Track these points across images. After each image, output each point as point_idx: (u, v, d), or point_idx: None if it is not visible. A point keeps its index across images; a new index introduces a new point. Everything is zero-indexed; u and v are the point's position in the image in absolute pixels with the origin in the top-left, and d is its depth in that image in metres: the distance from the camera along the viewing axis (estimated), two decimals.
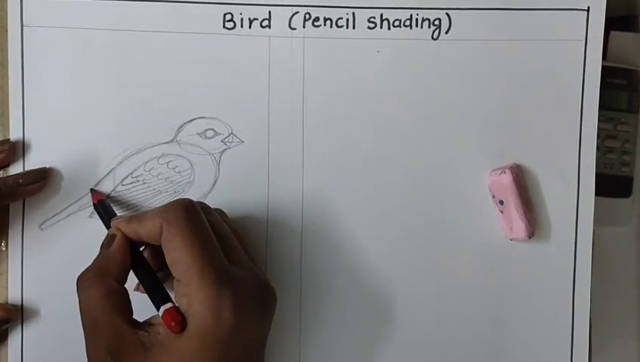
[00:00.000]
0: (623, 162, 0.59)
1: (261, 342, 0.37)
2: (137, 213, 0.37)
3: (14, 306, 0.42)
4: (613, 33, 0.57)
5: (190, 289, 0.33)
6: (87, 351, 0.35)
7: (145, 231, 0.35)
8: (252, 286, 0.36)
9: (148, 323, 0.35)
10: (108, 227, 0.39)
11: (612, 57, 0.58)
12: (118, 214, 0.41)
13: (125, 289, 0.36)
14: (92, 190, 0.42)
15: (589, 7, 0.44)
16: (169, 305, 0.34)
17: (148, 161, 0.43)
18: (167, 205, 0.36)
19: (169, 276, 0.36)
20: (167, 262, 0.35)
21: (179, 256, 0.34)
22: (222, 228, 0.38)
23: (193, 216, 0.35)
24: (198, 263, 0.34)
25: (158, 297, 0.35)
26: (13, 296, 0.42)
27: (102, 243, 0.37)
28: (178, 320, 0.33)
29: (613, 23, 0.57)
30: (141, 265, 0.37)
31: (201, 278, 0.33)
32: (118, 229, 0.37)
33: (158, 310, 0.34)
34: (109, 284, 0.35)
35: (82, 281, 0.35)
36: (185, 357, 0.33)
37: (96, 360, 0.34)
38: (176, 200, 0.36)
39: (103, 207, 0.41)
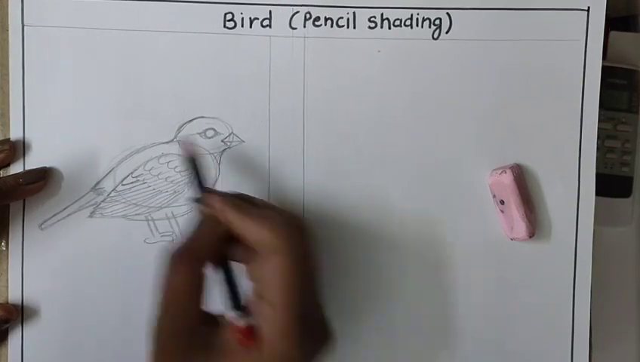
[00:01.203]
0: (623, 162, 0.59)
1: None
2: (246, 208, 0.35)
3: (14, 306, 0.42)
4: (613, 33, 0.57)
5: (271, 314, 0.33)
6: (155, 324, 0.34)
7: (250, 235, 0.34)
8: (319, 331, 0.36)
9: (215, 321, 0.35)
10: (199, 186, 0.37)
11: (612, 57, 0.58)
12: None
13: (204, 276, 0.34)
14: (181, 142, 0.40)
15: (589, 7, 0.44)
16: (243, 322, 0.33)
17: (148, 161, 0.43)
18: (284, 220, 0.34)
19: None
20: (252, 278, 0.34)
21: (274, 291, 0.33)
22: (314, 262, 0.36)
23: (305, 248, 0.34)
24: (289, 314, 0.33)
25: (236, 303, 0.34)
26: (13, 295, 0.42)
27: (194, 224, 0.36)
28: (250, 340, 0.33)
29: (613, 23, 0.57)
30: (226, 260, 0.36)
31: (284, 333, 0.32)
32: (219, 211, 0.35)
33: (231, 312, 0.34)
34: (198, 270, 0.34)
35: (176, 260, 0.34)
36: None
37: (162, 336, 0.34)
38: (295, 218, 0.35)
39: (194, 164, 0.38)
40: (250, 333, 0.33)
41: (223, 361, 0.33)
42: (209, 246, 0.35)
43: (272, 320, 0.33)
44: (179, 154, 0.42)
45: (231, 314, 0.34)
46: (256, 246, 0.34)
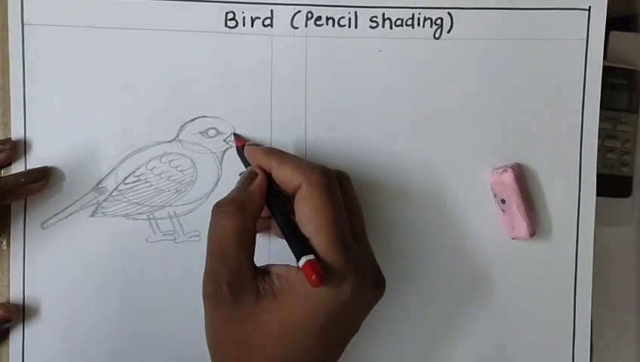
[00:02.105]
0: (622, 162, 0.60)
1: (356, 328, 0.37)
2: (281, 157, 0.37)
3: (16, 305, 0.42)
4: (613, 33, 0.57)
5: (314, 248, 0.34)
6: (206, 276, 0.35)
7: (284, 178, 0.36)
8: (370, 270, 0.37)
9: (265, 271, 0.36)
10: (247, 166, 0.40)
11: (612, 57, 0.58)
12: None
13: (255, 229, 0.36)
14: (235, 134, 0.43)
15: (590, 7, 0.44)
16: (311, 256, 0.34)
17: (150, 160, 0.43)
18: (309, 166, 0.36)
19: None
20: (297, 218, 0.35)
21: (312, 216, 0.35)
22: (354, 203, 0.39)
23: (333, 185, 0.36)
24: (329, 229, 0.34)
25: (299, 246, 0.35)
26: (14, 294, 0.42)
27: (241, 178, 0.38)
28: (320, 273, 0.33)
29: (614, 23, 0.57)
30: (281, 211, 0.37)
31: (330, 243, 0.34)
32: (261, 170, 0.38)
33: (297, 259, 0.34)
34: (246, 221, 0.35)
35: (220, 211, 0.36)
36: (292, 315, 0.34)
37: (212, 288, 0.34)
38: (318, 165, 0.37)
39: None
40: (319, 268, 0.33)
41: (270, 304, 0.34)
42: (254, 198, 0.37)
43: (317, 256, 0.34)
44: (181, 154, 0.42)
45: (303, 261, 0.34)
46: (287, 188, 0.37)
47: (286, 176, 0.36)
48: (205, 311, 0.35)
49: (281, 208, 0.37)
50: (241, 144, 0.41)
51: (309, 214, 0.35)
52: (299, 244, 0.35)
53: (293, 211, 0.36)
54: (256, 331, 0.34)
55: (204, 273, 0.35)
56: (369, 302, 0.37)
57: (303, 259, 0.33)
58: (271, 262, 0.37)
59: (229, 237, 0.35)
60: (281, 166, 0.37)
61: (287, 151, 0.39)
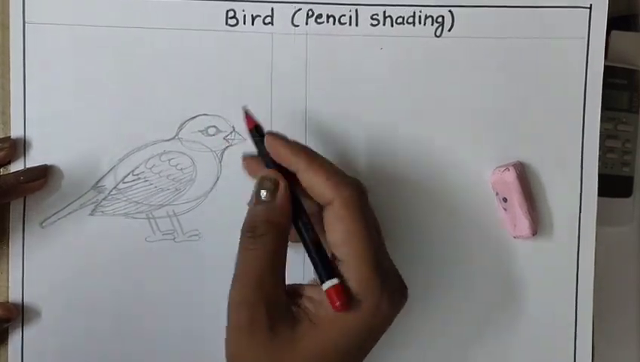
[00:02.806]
0: (623, 162, 0.59)
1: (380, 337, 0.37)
2: (311, 160, 0.35)
3: (15, 305, 0.42)
4: (613, 32, 0.57)
5: (351, 272, 0.33)
6: (237, 305, 0.33)
7: (314, 187, 0.34)
8: (397, 284, 0.36)
9: (296, 293, 0.35)
10: (262, 154, 0.37)
11: (613, 57, 0.58)
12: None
13: (287, 244, 0.35)
14: (246, 111, 0.38)
15: (591, 5, 0.44)
16: (336, 281, 0.33)
17: (149, 159, 0.43)
18: (342, 179, 0.35)
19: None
20: (329, 236, 0.34)
21: (349, 239, 0.33)
22: (374, 215, 0.37)
23: (367, 202, 0.35)
24: (368, 255, 0.33)
25: (326, 269, 0.33)
26: (14, 294, 0.42)
27: (260, 185, 0.35)
28: (345, 300, 0.32)
29: (614, 22, 0.57)
30: (304, 225, 0.35)
31: (369, 269, 0.33)
32: (279, 173, 0.35)
33: (321, 282, 0.33)
34: (281, 242, 0.34)
35: (255, 234, 0.34)
36: (330, 339, 0.33)
37: (247, 316, 0.33)
38: (352, 179, 0.35)
39: (260, 132, 0.37)
40: (345, 294, 0.33)
41: (309, 330, 0.33)
42: (284, 212, 0.35)
43: (353, 277, 0.33)
44: (181, 152, 0.42)
45: (327, 285, 0.33)
46: (317, 200, 0.35)
47: (317, 187, 0.34)
48: (232, 338, 0.34)
49: (305, 221, 0.35)
50: (253, 125, 0.38)
51: (344, 237, 0.33)
52: (325, 267, 0.34)
53: (316, 223, 0.35)
54: (294, 358, 0.33)
55: (233, 300, 0.33)
56: (396, 314, 0.36)
57: (328, 283, 0.33)
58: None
59: (266, 263, 0.33)
60: (311, 172, 0.34)
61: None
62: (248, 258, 0.34)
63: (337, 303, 0.32)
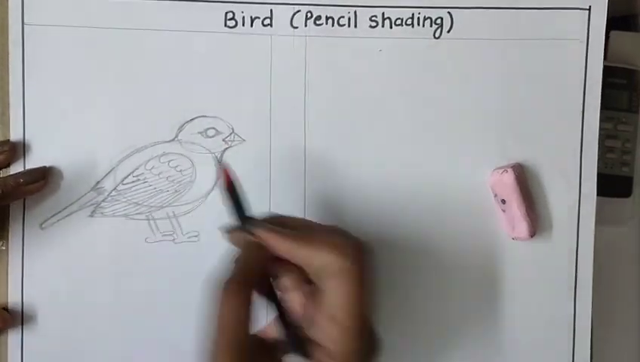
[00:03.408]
0: (623, 162, 0.59)
1: None
2: (294, 234, 0.34)
3: (12, 311, 0.42)
4: (613, 33, 0.57)
5: (341, 336, 0.33)
6: (209, 354, 0.33)
7: (305, 260, 0.34)
8: (375, 343, 0.36)
9: (264, 343, 0.35)
10: (240, 215, 0.36)
11: (612, 57, 0.58)
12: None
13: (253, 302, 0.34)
14: (221, 165, 0.37)
15: (590, 7, 0.44)
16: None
17: (149, 160, 0.43)
18: (341, 237, 0.34)
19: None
20: (325, 297, 0.33)
21: (347, 304, 0.33)
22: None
23: (371, 264, 0.34)
24: (363, 320, 0.33)
25: (301, 348, 0.34)
26: (13, 295, 0.42)
27: (242, 246, 0.35)
28: None
29: (614, 22, 0.57)
30: (274, 296, 0.35)
31: (358, 333, 0.33)
32: (263, 239, 0.34)
33: (290, 353, 0.34)
34: (249, 297, 0.33)
35: (230, 288, 0.33)
36: None
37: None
38: (353, 237, 0.34)
39: (234, 191, 0.36)
40: None
41: None
42: (256, 272, 0.34)
43: (341, 341, 0.33)
44: (180, 154, 0.42)
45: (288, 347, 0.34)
46: (317, 271, 0.34)
47: (316, 263, 0.33)
48: None
49: (277, 300, 0.35)
50: (229, 181, 0.36)
51: (342, 301, 0.32)
52: (299, 345, 0.34)
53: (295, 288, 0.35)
54: None
55: (205, 355, 0.33)
56: None
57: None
58: None
59: (238, 316, 0.32)
60: (300, 248, 0.34)
61: (290, 216, 0.37)
62: (216, 315, 0.33)
63: None
